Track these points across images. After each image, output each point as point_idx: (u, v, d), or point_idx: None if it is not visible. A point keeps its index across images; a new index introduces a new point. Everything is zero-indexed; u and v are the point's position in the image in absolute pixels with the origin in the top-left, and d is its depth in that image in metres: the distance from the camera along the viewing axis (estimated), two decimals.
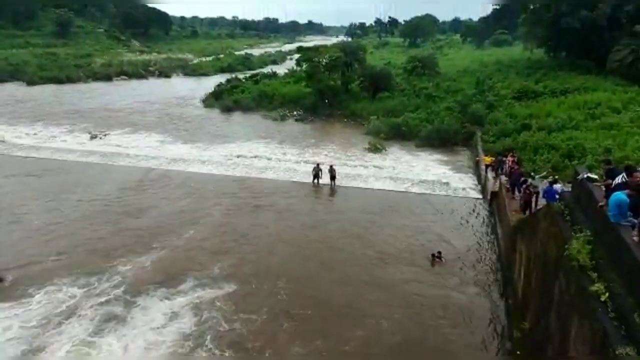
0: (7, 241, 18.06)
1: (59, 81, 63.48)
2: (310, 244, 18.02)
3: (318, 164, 25.18)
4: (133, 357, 11.76)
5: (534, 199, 15.58)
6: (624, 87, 32.62)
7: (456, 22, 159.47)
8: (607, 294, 6.97)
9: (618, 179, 8.55)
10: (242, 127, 38.81)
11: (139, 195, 23.32)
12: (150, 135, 35.96)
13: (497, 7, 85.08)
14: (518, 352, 11.45)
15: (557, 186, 14.72)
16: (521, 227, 14.00)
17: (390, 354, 11.98)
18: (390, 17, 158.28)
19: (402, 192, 23.82)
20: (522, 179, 16.99)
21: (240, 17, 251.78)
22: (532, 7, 48.78)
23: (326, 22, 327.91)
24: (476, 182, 24.68)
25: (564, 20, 41.18)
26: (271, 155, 29.97)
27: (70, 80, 64.72)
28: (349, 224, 19.88)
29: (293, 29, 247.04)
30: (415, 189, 24.04)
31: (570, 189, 11.67)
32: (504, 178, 20.02)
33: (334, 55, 43.69)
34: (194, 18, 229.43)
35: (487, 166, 23.39)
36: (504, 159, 21.52)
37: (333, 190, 24.26)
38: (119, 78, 69.86)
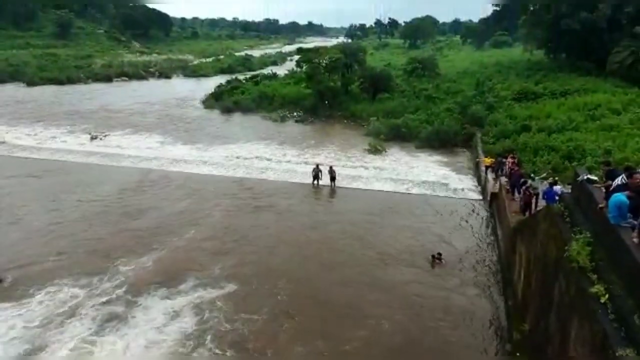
0: (7, 242, 18.07)
1: (59, 82, 63.56)
2: (311, 245, 18.02)
3: (318, 165, 25.20)
4: (134, 356, 11.79)
5: (533, 201, 15.57)
6: (624, 89, 32.66)
7: (456, 23, 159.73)
8: (607, 296, 6.97)
9: (618, 181, 8.56)
10: (242, 128, 38.84)
11: (139, 196, 23.33)
12: (150, 136, 35.98)
13: (497, 8, 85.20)
14: (518, 354, 11.45)
15: (557, 187, 14.73)
16: (521, 228, 14.00)
17: (390, 355, 11.98)
18: (390, 19, 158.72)
19: (402, 193, 23.82)
20: (522, 180, 16.99)
21: (241, 18, 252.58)
22: (532, 8, 48.87)
23: (326, 24, 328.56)
24: (476, 184, 24.68)
25: (564, 21, 41.24)
26: (271, 156, 29.98)
27: (70, 81, 64.81)
28: (349, 224, 19.88)
29: (293, 30, 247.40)
30: (415, 190, 24.04)
31: (570, 191, 11.67)
32: (503, 179, 20.03)
33: (334, 57, 43.73)
34: (195, 19, 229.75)
35: (487, 167, 23.40)
36: (504, 160, 21.52)
37: (333, 191, 24.27)
38: (119, 79, 69.90)
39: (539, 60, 50.82)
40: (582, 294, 7.61)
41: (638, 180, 8.19)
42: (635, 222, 7.46)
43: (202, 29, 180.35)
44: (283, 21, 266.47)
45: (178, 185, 24.84)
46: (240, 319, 13.20)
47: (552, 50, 49.08)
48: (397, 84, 45.64)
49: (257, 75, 59.47)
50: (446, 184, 24.57)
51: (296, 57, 52.48)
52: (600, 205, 8.50)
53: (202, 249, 17.54)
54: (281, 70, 64.25)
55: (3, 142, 34.08)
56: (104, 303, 13.87)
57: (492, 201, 21.01)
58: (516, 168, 19.59)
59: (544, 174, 19.73)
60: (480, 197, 22.87)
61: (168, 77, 75.22)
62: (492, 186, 21.57)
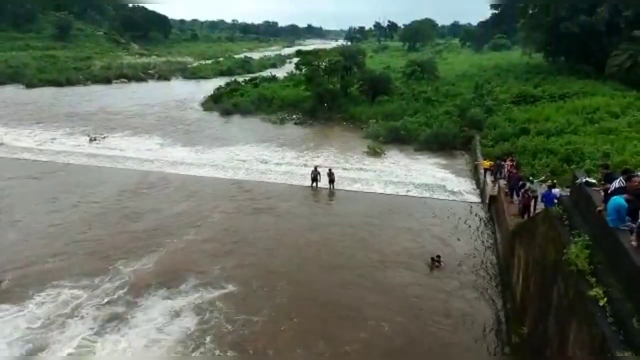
0: (6, 243, 18.05)
1: (58, 84, 63.47)
2: (310, 247, 18.02)
3: (316, 167, 25.21)
4: (135, 356, 11.84)
5: (532, 203, 15.60)
6: (623, 92, 32.73)
7: (455, 26, 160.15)
8: (605, 299, 6.99)
9: (615, 183, 8.58)
10: (241, 130, 38.84)
11: (139, 197, 23.32)
12: (149, 138, 35.96)
13: (496, 11, 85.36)
14: (516, 357, 11.45)
15: (556, 190, 14.75)
16: (520, 231, 14.02)
17: (390, 357, 12.00)
18: (389, 21, 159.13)
19: (401, 195, 23.83)
20: (521, 183, 17.02)
21: (240, 20, 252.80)
22: (530, 11, 49.00)
23: (326, 26, 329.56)
24: (475, 186, 24.70)
25: (562, 25, 41.38)
26: (270, 159, 29.99)
27: (69, 82, 64.71)
28: (349, 227, 19.89)
29: (292, 33, 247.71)
30: (414, 193, 24.06)
31: (568, 194, 11.69)
32: (502, 182, 20.05)
33: (333, 59, 43.82)
34: (194, 21, 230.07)
35: (485, 170, 23.43)
36: (503, 163, 21.56)
37: (332, 193, 24.27)
38: (118, 81, 69.87)
39: (538, 63, 50.95)
40: (580, 297, 7.62)
41: (636, 183, 8.21)
42: (634, 225, 7.48)
43: (201, 31, 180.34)
44: (282, 24, 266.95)
45: (177, 187, 24.83)
46: (241, 319, 13.23)
47: (551, 54, 49.22)
48: (396, 86, 45.73)
49: (256, 78, 59.55)
50: (445, 187, 24.59)
51: (295, 60, 52.52)
52: (599, 208, 8.52)
53: (201, 250, 17.55)
54: (280, 73, 64.37)
55: (2, 144, 34.02)
56: (104, 303, 13.92)
57: (491, 204, 21.03)
58: (515, 171, 19.64)
59: (543, 177, 19.78)
60: (479, 200, 22.89)
61: (167, 79, 75.20)
62: (490, 189, 21.59)
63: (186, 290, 14.72)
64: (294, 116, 41.88)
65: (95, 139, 35.04)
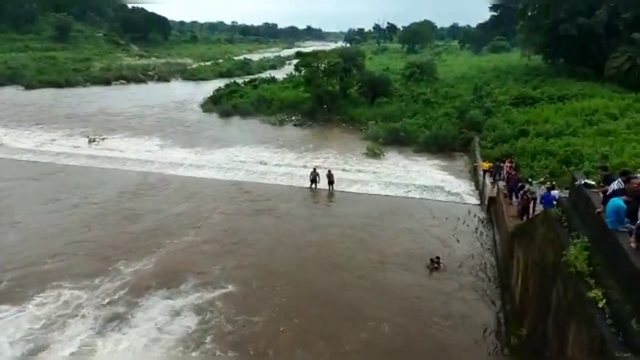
0: (5, 244, 18.06)
1: (57, 85, 63.45)
2: (310, 248, 18.04)
3: (315, 169, 25.22)
4: (136, 356, 11.89)
5: (531, 205, 15.60)
6: (621, 94, 32.78)
7: (454, 28, 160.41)
8: (604, 300, 6.98)
9: (614, 185, 8.59)
10: (240, 131, 38.86)
11: (138, 198, 23.31)
12: (149, 139, 35.93)
13: (495, 13, 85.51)
14: (515, 359, 11.45)
15: (555, 192, 14.77)
16: (519, 233, 14.03)
17: (390, 357, 12.03)
18: (388, 23, 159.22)
19: (401, 197, 23.85)
20: (520, 184, 17.04)
21: (240, 22, 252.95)
22: (529, 13, 49.06)
23: (325, 28, 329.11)
24: (474, 188, 24.71)
25: (561, 27, 41.45)
26: (270, 160, 29.99)
27: (69, 84, 64.69)
28: (348, 228, 19.90)
29: (292, 34, 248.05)
30: (413, 194, 24.07)
31: (567, 195, 11.70)
32: (501, 184, 20.07)
33: (332, 61, 43.84)
34: (194, 23, 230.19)
35: (484, 172, 23.46)
36: (502, 164, 21.58)
37: (331, 194, 24.28)
38: (117, 82, 69.88)
39: (537, 65, 51.03)
40: (579, 299, 7.62)
41: (635, 185, 8.22)
42: (633, 227, 7.48)
43: (201, 32, 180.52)
44: (282, 25, 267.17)
45: (177, 188, 24.83)
46: (241, 319, 13.29)
47: (549, 56, 49.29)
48: (396, 88, 45.77)
49: (255, 79, 59.53)
50: (444, 188, 24.60)
51: (295, 61, 52.55)
52: (598, 210, 8.53)
53: (202, 251, 17.58)
54: (280, 74, 64.40)
55: (1, 145, 34.01)
56: (105, 304, 13.99)
57: (490, 205, 21.04)
58: (514, 172, 19.65)
59: (542, 179, 19.80)
60: (478, 202, 22.90)
61: (167, 80, 75.20)
62: (489, 190, 21.62)
63: (186, 290, 14.77)
64: (294, 118, 41.90)
65: (94, 140, 35.01)
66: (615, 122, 27.17)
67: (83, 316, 13.35)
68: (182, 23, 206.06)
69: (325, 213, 22.61)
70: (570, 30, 40.76)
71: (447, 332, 13.00)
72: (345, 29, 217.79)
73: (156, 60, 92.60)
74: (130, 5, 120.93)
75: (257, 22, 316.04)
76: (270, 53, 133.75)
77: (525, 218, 15.30)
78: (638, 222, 7.30)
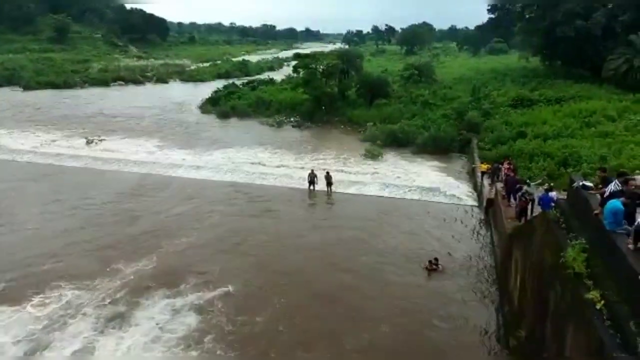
0: (6, 245, 18.07)
1: (55, 86, 63.47)
2: (309, 249, 18.04)
3: (313, 170, 25.19)
4: (137, 355, 11.94)
5: (529, 207, 15.60)
6: (619, 96, 32.85)
7: (452, 30, 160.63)
8: (602, 302, 6.99)
9: (611, 186, 8.61)
10: (238, 133, 38.84)
11: (137, 200, 23.28)
12: (147, 140, 35.91)
13: (493, 16, 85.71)
14: None
15: (553, 194, 14.77)
16: (517, 234, 14.03)
17: (390, 358, 12.07)
18: (387, 25, 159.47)
19: (399, 198, 23.85)
20: (518, 186, 17.02)
21: (238, 23, 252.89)
22: (527, 16, 49.21)
23: (323, 30, 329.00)
24: (472, 189, 24.72)
25: (559, 29, 41.56)
26: (268, 162, 29.96)
27: (67, 85, 64.71)
28: (347, 229, 19.89)
29: (290, 36, 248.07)
30: (411, 196, 24.07)
31: (565, 197, 11.72)
32: (499, 185, 20.05)
33: (331, 62, 43.86)
34: (192, 24, 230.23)
35: (483, 173, 23.47)
36: (500, 166, 21.57)
37: (330, 196, 24.26)
38: (116, 83, 69.84)
39: (535, 67, 51.17)
40: (578, 301, 7.62)
41: (633, 187, 8.24)
42: (630, 229, 7.50)
43: (199, 34, 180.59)
44: (280, 27, 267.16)
45: (175, 190, 24.80)
46: (241, 319, 13.35)
47: (547, 57, 49.41)
48: (394, 89, 45.77)
49: (254, 81, 59.56)
50: (442, 190, 24.58)
51: (293, 63, 52.60)
52: (596, 212, 8.54)
53: (201, 251, 17.61)
54: (278, 76, 64.42)
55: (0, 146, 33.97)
56: (105, 304, 14.06)
57: (488, 207, 21.04)
58: (512, 174, 19.67)
59: (540, 180, 19.79)
60: (476, 203, 22.92)
61: (165, 81, 75.11)
62: (488, 192, 21.62)
63: (186, 290, 14.82)
64: (292, 119, 41.90)
65: (92, 142, 34.97)
66: (613, 123, 27.23)
67: (84, 315, 13.45)
68: (180, 24, 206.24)
69: (324, 214, 22.62)
70: (568, 32, 40.87)
71: (446, 334, 13.00)
72: (343, 31, 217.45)
73: (154, 61, 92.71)
74: (128, 7, 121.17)
75: (256, 23, 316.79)
76: (268, 54, 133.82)
77: (523, 220, 15.30)
78: (636, 223, 7.32)
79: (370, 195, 24.26)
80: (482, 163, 24.63)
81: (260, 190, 24.89)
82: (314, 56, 47.60)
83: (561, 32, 41.31)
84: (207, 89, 57.29)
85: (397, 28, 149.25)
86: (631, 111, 29.01)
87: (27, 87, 61.92)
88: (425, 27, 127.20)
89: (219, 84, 60.69)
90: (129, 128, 40.18)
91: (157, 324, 13.08)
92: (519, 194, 16.20)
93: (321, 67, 43.76)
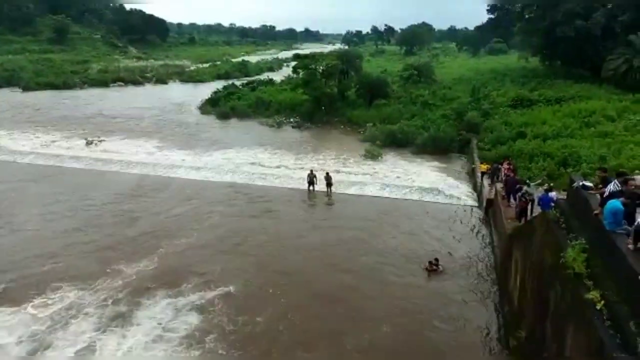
0: (6, 246, 18.07)
1: (55, 87, 63.47)
2: (309, 250, 18.05)
3: (312, 170, 25.17)
4: (139, 355, 11.99)
5: (529, 207, 15.61)
6: (619, 96, 32.87)
7: (452, 30, 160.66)
8: (602, 302, 6.99)
9: (610, 187, 8.61)
10: (238, 133, 38.84)
11: (136, 200, 23.27)
12: (146, 141, 35.90)
13: (493, 16, 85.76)
14: None
15: (553, 194, 14.78)
16: (517, 234, 14.03)
17: (391, 358, 12.09)
18: (386, 25, 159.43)
19: (399, 199, 23.85)
20: (518, 186, 17.01)
21: (238, 24, 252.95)
22: (527, 16, 49.23)
23: (323, 30, 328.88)
24: (472, 190, 24.73)
25: (558, 29, 41.58)
26: (268, 162, 29.95)
27: (66, 86, 64.68)
28: (347, 230, 19.89)
29: (290, 37, 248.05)
30: (411, 196, 24.07)
31: (565, 197, 11.71)
32: (499, 185, 20.05)
33: (330, 63, 43.87)
34: (192, 25, 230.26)
35: (482, 173, 23.48)
36: (500, 166, 21.59)
37: (329, 196, 24.25)
38: (115, 84, 69.83)
39: (534, 67, 51.19)
40: (578, 301, 7.63)
41: (632, 187, 8.24)
42: (630, 229, 7.50)
43: (199, 34, 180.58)
44: (280, 27, 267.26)
45: (175, 190, 24.80)
46: (242, 319, 13.38)
47: (547, 58, 49.42)
48: (394, 90, 45.78)
49: (253, 81, 59.54)
50: (442, 190, 24.58)
51: (293, 63, 52.61)
52: (596, 212, 8.54)
53: (202, 252, 17.64)
54: (278, 76, 64.46)
55: None
56: (106, 304, 14.11)
57: (488, 207, 21.05)
58: (512, 174, 19.68)
59: (540, 181, 19.79)
60: (476, 204, 22.92)
61: (164, 82, 75.08)
62: (487, 192, 21.62)
63: (187, 290, 14.87)
64: (292, 119, 41.90)
65: (91, 143, 34.97)
66: (612, 123, 27.25)
67: (86, 315, 13.51)
68: (180, 25, 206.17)
69: (324, 214, 22.63)
70: (568, 32, 40.89)
71: (446, 334, 13.00)
72: (343, 31, 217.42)
73: (154, 62, 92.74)
74: (128, 7, 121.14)
75: (255, 24, 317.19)
76: (268, 55, 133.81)
77: (523, 220, 15.30)
78: (635, 223, 7.32)
79: (370, 196, 24.26)
80: (481, 163, 24.63)
81: (260, 191, 24.90)
82: (313, 57, 47.59)
83: (561, 32, 41.34)
84: (206, 90, 57.25)
85: (397, 28, 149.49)
86: (631, 111, 29.02)
87: (26, 88, 61.90)
88: (425, 27, 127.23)
89: (219, 84, 60.66)
90: (129, 129, 40.18)
91: (158, 324, 13.15)
92: (519, 194, 16.20)
93: (321, 67, 43.77)
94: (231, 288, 15.00)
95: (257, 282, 15.45)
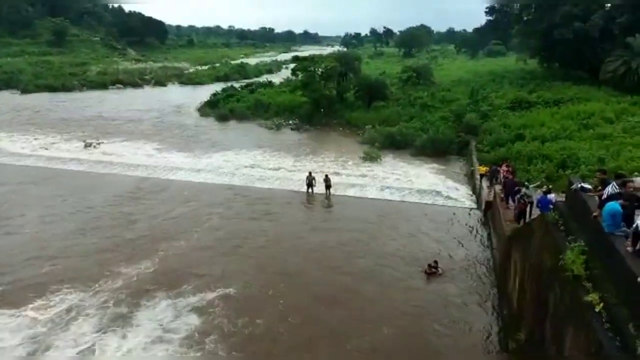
0: (6, 247, 18.05)
1: (54, 89, 63.37)
2: (309, 251, 18.07)
3: (310, 173, 25.14)
4: (139, 356, 12.01)
5: (528, 209, 15.63)
6: (617, 98, 33.00)
7: (450, 32, 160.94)
8: (601, 304, 7.00)
9: (608, 189, 8.63)
10: (237, 135, 38.86)
11: (135, 202, 23.26)
12: (145, 143, 35.88)
13: (491, 18, 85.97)
14: None
15: (551, 196, 14.79)
16: (516, 237, 14.06)
17: (391, 359, 12.10)
18: (385, 28, 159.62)
19: (398, 201, 23.86)
20: (517, 188, 17.03)
21: (237, 26, 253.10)
22: (525, 18, 49.39)
23: (322, 32, 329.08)
24: (471, 192, 24.76)
25: (557, 31, 41.71)
26: (266, 164, 29.97)
27: (65, 88, 64.60)
28: (346, 232, 19.90)
29: (289, 39, 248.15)
30: (410, 198, 24.09)
31: (564, 199, 11.74)
32: (498, 187, 20.08)
33: (329, 65, 43.91)
34: (191, 27, 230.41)
35: (481, 175, 23.51)
36: (499, 168, 21.63)
37: (328, 199, 24.26)
38: (114, 86, 69.75)
39: (533, 69, 51.33)
40: (577, 303, 7.64)
41: (631, 189, 8.27)
42: (629, 231, 7.52)
43: (197, 37, 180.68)
44: (278, 30, 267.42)
45: (174, 193, 24.79)
46: (242, 321, 13.39)
47: (545, 60, 49.55)
48: (392, 92, 45.88)
49: (252, 83, 59.58)
50: (441, 192, 24.62)
51: (291, 66, 52.69)
52: (595, 214, 8.56)
53: (201, 254, 17.66)
54: (277, 79, 64.50)
55: None
56: (107, 306, 14.13)
57: (487, 209, 21.07)
58: (510, 176, 19.70)
59: (538, 183, 19.82)
60: (475, 206, 22.94)
61: (163, 84, 75.03)
62: (486, 194, 21.65)
63: (187, 292, 14.89)
64: (290, 122, 41.93)
65: (90, 145, 34.94)
66: (611, 125, 27.33)
67: (87, 316, 13.54)
68: (179, 27, 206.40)
69: (323, 217, 22.64)
70: (566, 34, 41.02)
71: (445, 336, 13.01)
72: (341, 33, 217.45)
73: (153, 64, 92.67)
74: (126, 10, 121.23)
75: (254, 26, 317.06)
76: (267, 57, 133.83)
77: (522, 222, 15.32)
78: (634, 225, 7.34)
79: (369, 198, 24.28)
80: (480, 165, 24.66)
81: (259, 193, 24.91)
82: (312, 59, 47.64)
83: (559, 34, 41.47)
84: (205, 92, 57.24)
85: (395, 31, 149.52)
86: (629, 113, 29.13)
87: (25, 91, 61.84)
88: (423, 29, 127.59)
89: (218, 86, 60.76)
90: (128, 131, 40.16)
91: (159, 325, 13.18)
92: (518, 196, 16.21)
93: (320, 69, 43.81)
94: (231, 289, 15.03)
95: (256, 284, 15.46)
